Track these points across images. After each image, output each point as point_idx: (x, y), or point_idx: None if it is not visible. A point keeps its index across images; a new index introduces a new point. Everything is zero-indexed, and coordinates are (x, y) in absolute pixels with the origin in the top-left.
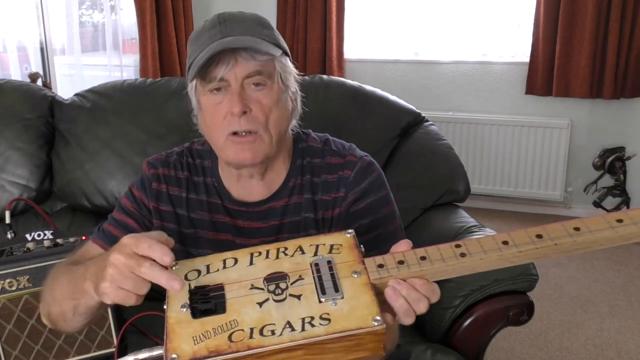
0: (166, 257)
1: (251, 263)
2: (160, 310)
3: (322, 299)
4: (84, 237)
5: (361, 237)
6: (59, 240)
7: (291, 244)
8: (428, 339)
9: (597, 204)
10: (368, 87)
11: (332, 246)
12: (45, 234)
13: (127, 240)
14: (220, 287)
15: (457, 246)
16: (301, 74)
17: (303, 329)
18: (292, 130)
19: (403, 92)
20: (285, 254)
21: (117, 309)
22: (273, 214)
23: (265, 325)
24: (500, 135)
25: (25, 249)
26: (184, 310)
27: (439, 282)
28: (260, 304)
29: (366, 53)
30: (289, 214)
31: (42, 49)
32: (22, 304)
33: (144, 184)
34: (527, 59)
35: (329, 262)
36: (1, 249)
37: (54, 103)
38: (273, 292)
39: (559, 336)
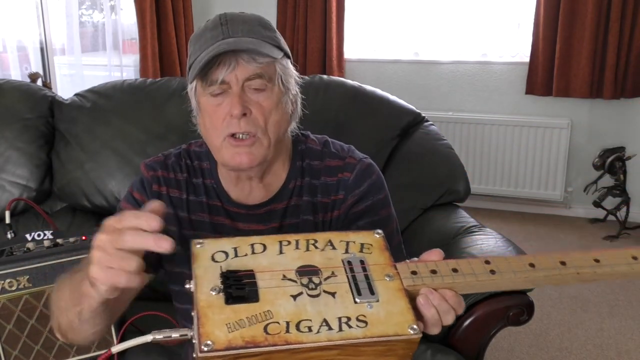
0: (153, 221)
1: (281, 252)
2: (160, 310)
3: (358, 300)
4: (84, 237)
5: None
6: (59, 240)
7: (321, 237)
8: (428, 339)
9: (597, 204)
10: (368, 87)
11: (362, 245)
12: (45, 234)
13: (110, 219)
14: (251, 274)
15: (487, 262)
16: (302, 76)
17: (340, 329)
18: (292, 132)
19: (403, 92)
20: (316, 247)
21: None
22: (274, 216)
23: (302, 320)
24: (500, 135)
25: (25, 249)
26: (214, 293)
27: None
28: (295, 297)
29: (366, 53)
30: (288, 216)
31: (42, 49)
32: (22, 304)
33: (144, 186)
34: (527, 59)
35: (361, 261)
36: (1, 249)
37: (54, 103)
38: (306, 285)
39: (559, 336)
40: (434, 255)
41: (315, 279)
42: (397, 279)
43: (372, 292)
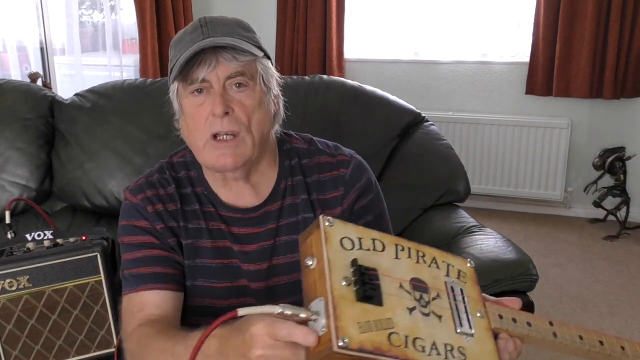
0: (310, 336)
1: (397, 257)
2: None
3: (459, 330)
4: (84, 237)
5: None
6: (59, 240)
7: (427, 251)
8: None
9: (597, 204)
10: (368, 87)
11: (459, 272)
12: (45, 234)
13: (259, 329)
14: (375, 275)
15: (551, 324)
16: (283, 77)
17: (446, 357)
18: (276, 133)
19: (403, 92)
20: (424, 261)
21: (117, 309)
22: (269, 218)
23: (416, 337)
24: (500, 135)
25: (25, 249)
26: (345, 284)
27: None
28: (410, 311)
29: (366, 53)
30: (284, 216)
31: (42, 49)
32: (22, 304)
33: (139, 212)
34: (527, 59)
35: (461, 290)
36: (1, 249)
37: (54, 103)
38: (419, 301)
39: None
40: (515, 303)
41: (425, 297)
42: (486, 318)
43: (470, 325)
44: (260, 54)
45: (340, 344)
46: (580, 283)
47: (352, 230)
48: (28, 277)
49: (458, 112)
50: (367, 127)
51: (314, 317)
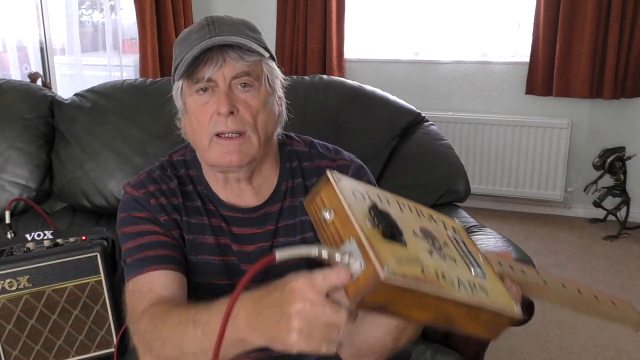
0: (343, 273)
1: (401, 210)
2: None
3: (473, 272)
4: (84, 237)
5: None
6: (59, 240)
7: (423, 209)
8: (428, 339)
9: (597, 204)
10: (368, 87)
11: (454, 228)
12: (45, 234)
13: (299, 284)
14: (392, 217)
15: (538, 273)
16: (287, 78)
17: (472, 289)
18: (278, 135)
19: (403, 92)
20: (424, 216)
21: (117, 309)
22: (269, 219)
23: (444, 273)
24: (500, 135)
25: (25, 249)
26: (371, 226)
27: None
28: (430, 253)
29: (366, 53)
30: (283, 218)
31: (42, 49)
32: (22, 304)
33: (141, 204)
34: (527, 59)
35: (463, 242)
36: (1, 249)
37: (54, 103)
38: (433, 245)
39: (559, 336)
40: (508, 255)
41: (437, 243)
42: (489, 264)
43: (480, 268)
44: (267, 54)
45: (386, 273)
46: None
47: (358, 186)
48: (28, 277)
49: (458, 112)
50: (367, 127)
51: (346, 257)
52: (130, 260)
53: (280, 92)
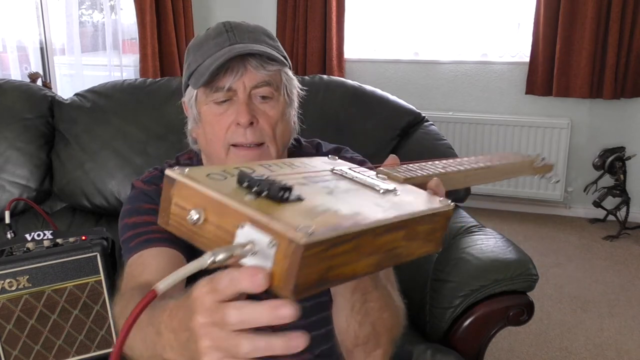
0: (256, 276)
1: (271, 170)
2: None
3: (382, 190)
4: (83, 237)
5: None
6: (59, 240)
7: (294, 160)
8: (428, 339)
9: (597, 204)
10: (368, 87)
11: (333, 164)
12: (45, 234)
13: (199, 292)
14: (270, 180)
15: (433, 161)
16: (303, 88)
17: (395, 208)
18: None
19: (403, 92)
20: (296, 165)
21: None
22: None
23: (357, 208)
24: (500, 135)
25: (25, 249)
26: (254, 198)
27: (440, 283)
28: (331, 192)
29: (366, 53)
30: None
31: (42, 49)
32: (22, 304)
33: (152, 197)
34: (527, 59)
35: (352, 169)
36: (1, 249)
37: (54, 103)
38: (328, 183)
39: (559, 336)
40: (394, 159)
41: (329, 178)
42: (389, 176)
43: (386, 184)
44: (287, 63)
45: (304, 235)
46: (580, 283)
47: (211, 169)
48: (28, 277)
49: (458, 112)
50: (367, 127)
51: (249, 247)
52: (132, 245)
53: (296, 103)
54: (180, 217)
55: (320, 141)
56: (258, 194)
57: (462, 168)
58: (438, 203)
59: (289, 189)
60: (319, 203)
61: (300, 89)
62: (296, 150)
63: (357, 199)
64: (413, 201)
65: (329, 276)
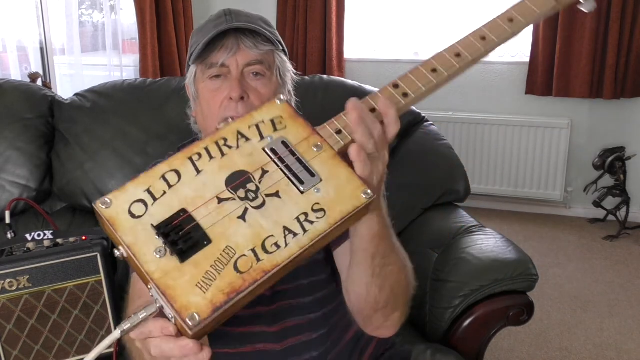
0: (166, 330)
1: (197, 171)
2: None
3: (303, 189)
4: (83, 237)
5: None
6: (59, 240)
7: (228, 132)
8: (428, 339)
9: (597, 204)
10: (368, 87)
11: (273, 121)
12: (45, 234)
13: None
14: (187, 216)
15: (396, 86)
16: (299, 73)
17: (304, 230)
18: None
19: None
20: (229, 146)
21: (117, 309)
22: None
23: (264, 240)
24: (500, 135)
25: (25, 249)
26: (160, 257)
27: (440, 283)
28: (243, 218)
29: (366, 53)
30: None
31: (42, 49)
32: (22, 304)
33: None
34: (527, 59)
35: (284, 143)
36: (1, 249)
37: (54, 103)
38: (247, 198)
39: (559, 336)
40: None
41: (251, 186)
42: (326, 145)
43: (311, 174)
44: (280, 47)
45: (190, 323)
46: (580, 283)
47: (135, 189)
48: (28, 277)
49: (458, 112)
50: None
51: (152, 311)
52: None
53: (290, 86)
54: (114, 240)
55: None
56: (166, 251)
57: (430, 79)
58: (359, 199)
59: (194, 244)
60: (224, 246)
61: (295, 74)
62: None
63: (269, 219)
64: (332, 201)
65: (229, 315)
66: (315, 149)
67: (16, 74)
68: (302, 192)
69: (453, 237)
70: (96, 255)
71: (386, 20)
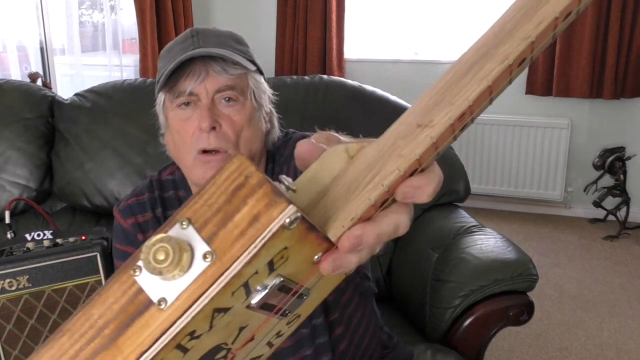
0: None
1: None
2: None
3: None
4: (83, 237)
5: None
6: (59, 240)
7: (198, 319)
8: (428, 339)
9: (597, 204)
10: (368, 87)
11: (271, 263)
12: (45, 234)
13: None
14: None
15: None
16: (276, 93)
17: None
18: (275, 144)
19: (403, 92)
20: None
21: None
22: None
23: None
24: (500, 135)
25: (25, 249)
26: None
27: (440, 283)
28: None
29: (366, 53)
30: None
31: (42, 49)
32: (22, 304)
33: (130, 240)
34: None
35: (283, 286)
36: (1, 249)
37: (54, 103)
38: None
39: (559, 336)
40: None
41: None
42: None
43: (304, 296)
44: (253, 68)
45: None
46: (580, 283)
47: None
48: (28, 277)
49: None
50: (367, 127)
51: None
52: None
53: (268, 108)
54: None
55: (291, 130)
56: None
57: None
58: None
59: None
60: None
61: (273, 94)
62: (277, 150)
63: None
64: (310, 306)
65: None
66: (316, 258)
67: (16, 74)
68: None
69: (453, 237)
70: (96, 255)
71: (386, 20)
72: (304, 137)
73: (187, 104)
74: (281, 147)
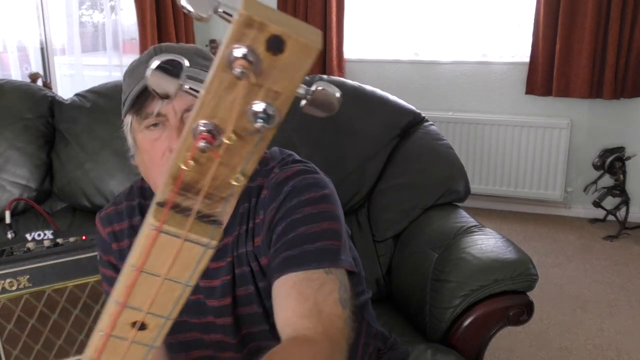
0: None
1: None
2: None
3: None
4: (83, 237)
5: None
6: (59, 240)
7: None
8: (428, 339)
9: (597, 204)
10: (368, 87)
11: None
12: (45, 234)
13: None
14: None
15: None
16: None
17: None
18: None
19: (403, 92)
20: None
21: None
22: (227, 250)
23: None
24: (500, 135)
25: (25, 249)
26: None
27: (440, 283)
28: None
29: (366, 53)
30: (241, 245)
31: (42, 49)
32: (22, 304)
33: (106, 249)
34: (527, 59)
35: None
36: (1, 249)
37: (54, 103)
38: None
39: (559, 336)
40: None
41: None
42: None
43: None
44: None
45: None
46: (580, 283)
47: None
48: (28, 277)
49: (458, 112)
50: (367, 127)
51: None
52: None
53: None
54: None
55: (272, 151)
56: None
57: None
58: None
59: None
60: None
61: None
62: (266, 174)
63: None
64: None
65: None
66: None
67: (16, 74)
68: None
69: (453, 237)
70: (96, 255)
71: (386, 20)
72: (300, 171)
73: (155, 124)
74: (270, 173)
